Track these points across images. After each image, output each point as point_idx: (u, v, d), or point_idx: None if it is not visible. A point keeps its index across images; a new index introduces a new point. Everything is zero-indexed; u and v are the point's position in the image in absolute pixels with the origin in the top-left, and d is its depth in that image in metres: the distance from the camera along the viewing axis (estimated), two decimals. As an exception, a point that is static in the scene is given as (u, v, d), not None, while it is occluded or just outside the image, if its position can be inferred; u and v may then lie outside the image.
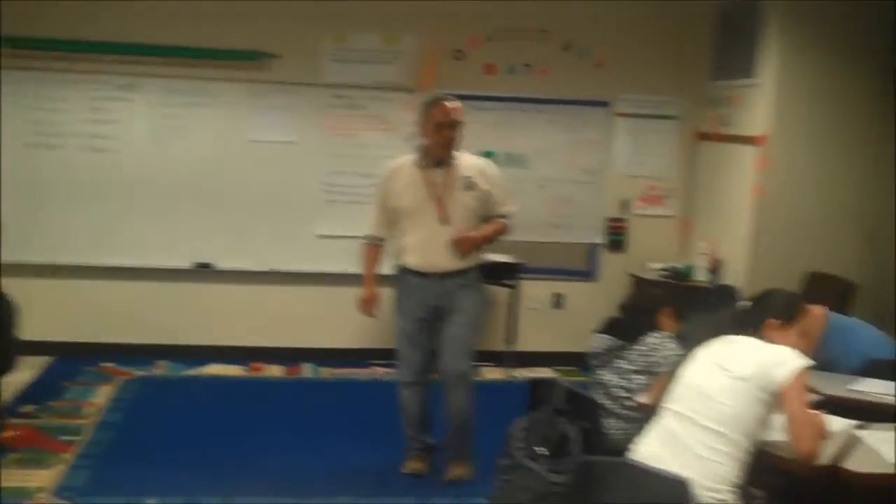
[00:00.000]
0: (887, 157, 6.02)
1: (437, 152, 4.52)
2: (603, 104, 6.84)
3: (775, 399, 3.08)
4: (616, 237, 7.00)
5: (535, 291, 6.91)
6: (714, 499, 2.98)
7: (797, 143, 6.03)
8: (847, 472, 3.11)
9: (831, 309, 4.62)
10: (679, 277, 6.51)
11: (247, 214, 6.59)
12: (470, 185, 4.54)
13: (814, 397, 3.75)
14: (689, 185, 6.96)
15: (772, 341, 3.24)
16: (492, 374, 6.67)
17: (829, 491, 3.25)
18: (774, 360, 3.13)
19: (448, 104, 4.51)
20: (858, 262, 6.05)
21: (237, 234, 6.60)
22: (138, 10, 6.26)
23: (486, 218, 4.61)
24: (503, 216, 4.68)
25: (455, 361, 4.60)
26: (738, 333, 3.30)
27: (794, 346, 3.21)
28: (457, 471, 4.73)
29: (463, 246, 4.54)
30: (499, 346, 6.80)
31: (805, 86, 6.00)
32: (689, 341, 3.54)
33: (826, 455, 3.15)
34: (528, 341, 6.88)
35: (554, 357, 6.78)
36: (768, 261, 6.02)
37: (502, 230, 4.70)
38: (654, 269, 6.66)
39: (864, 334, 4.58)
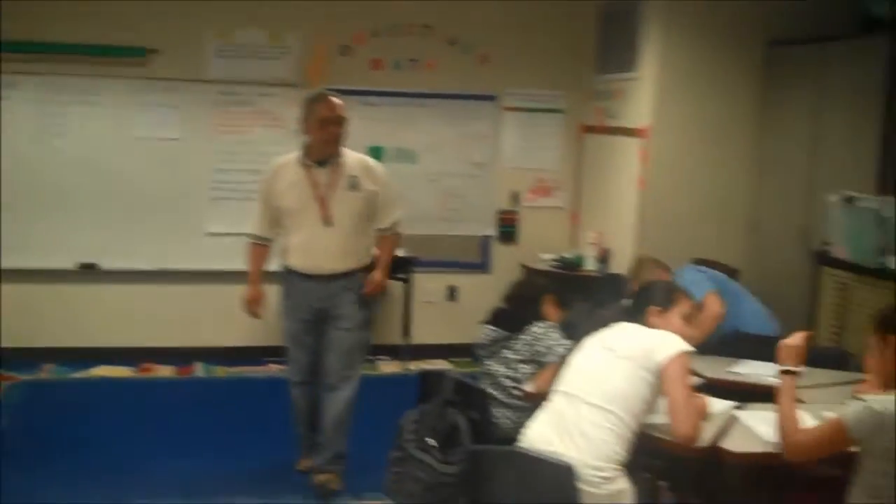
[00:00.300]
0: (766, 146, 6.23)
1: (322, 150, 4.42)
2: (490, 98, 6.93)
3: (658, 381, 3.18)
4: (507, 229, 7.10)
5: (429, 285, 6.95)
6: (600, 477, 3.04)
7: (678, 135, 6.21)
8: (725, 451, 3.22)
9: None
10: (569, 267, 6.63)
11: (133, 213, 6.47)
12: (355, 185, 4.45)
13: (696, 380, 3.90)
14: (576, 177, 7.10)
15: (655, 327, 3.34)
16: (388, 367, 6.69)
17: (707, 471, 3.37)
18: (656, 342, 3.23)
19: (332, 100, 4.44)
20: (740, 249, 6.26)
21: (123, 233, 6.47)
22: (15, 7, 6.08)
23: (370, 219, 4.55)
24: (388, 228, 4.64)
25: (336, 366, 4.54)
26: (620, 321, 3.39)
27: (675, 331, 3.31)
28: (323, 478, 4.60)
29: (375, 291, 4.55)
30: (394, 339, 6.82)
31: (685, 79, 6.18)
32: (574, 330, 3.62)
33: (706, 436, 3.26)
34: (424, 334, 6.92)
35: (449, 349, 6.84)
36: (653, 249, 6.14)
37: (394, 247, 4.70)
38: (544, 259, 6.77)
39: (748, 306, 4.79)
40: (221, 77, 6.50)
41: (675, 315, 3.39)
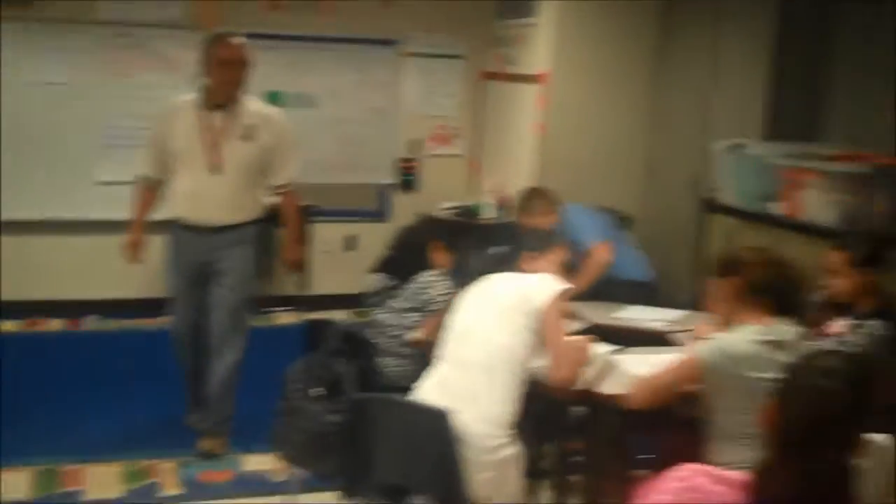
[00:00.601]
0: (662, 94, 6.28)
1: (221, 94, 4.26)
2: (390, 43, 6.83)
3: (539, 324, 3.19)
4: (408, 177, 7.05)
5: (327, 234, 6.88)
6: (493, 445, 3.06)
7: (577, 81, 6.22)
8: (601, 395, 3.27)
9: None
10: (469, 215, 6.63)
11: (21, 161, 6.22)
12: (251, 135, 4.30)
13: (580, 325, 3.94)
14: (477, 125, 7.08)
15: (529, 273, 3.35)
16: (285, 318, 6.63)
17: (585, 414, 3.42)
18: (533, 286, 3.24)
19: (233, 40, 4.28)
20: (637, 195, 6.33)
21: (11, 181, 6.21)
22: None
23: (265, 172, 4.40)
24: (285, 185, 4.49)
25: (221, 328, 4.42)
26: (496, 270, 3.39)
27: (550, 273, 3.33)
28: (208, 443, 4.51)
29: (297, 267, 4.46)
30: (291, 290, 6.75)
31: (583, 25, 6.18)
32: (463, 277, 3.61)
33: (585, 380, 3.30)
34: (323, 284, 6.86)
35: (349, 299, 6.78)
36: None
37: (299, 210, 4.61)
38: (444, 207, 6.76)
39: (627, 253, 4.89)
40: (110, 19, 6.27)
41: (549, 261, 3.41)
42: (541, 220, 4.38)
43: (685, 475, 2.03)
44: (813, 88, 5.46)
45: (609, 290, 4.51)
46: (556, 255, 3.45)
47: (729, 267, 3.15)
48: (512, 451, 3.13)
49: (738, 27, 5.61)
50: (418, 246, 4.25)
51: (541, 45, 6.21)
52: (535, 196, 4.72)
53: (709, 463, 2.68)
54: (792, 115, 5.48)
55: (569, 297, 3.30)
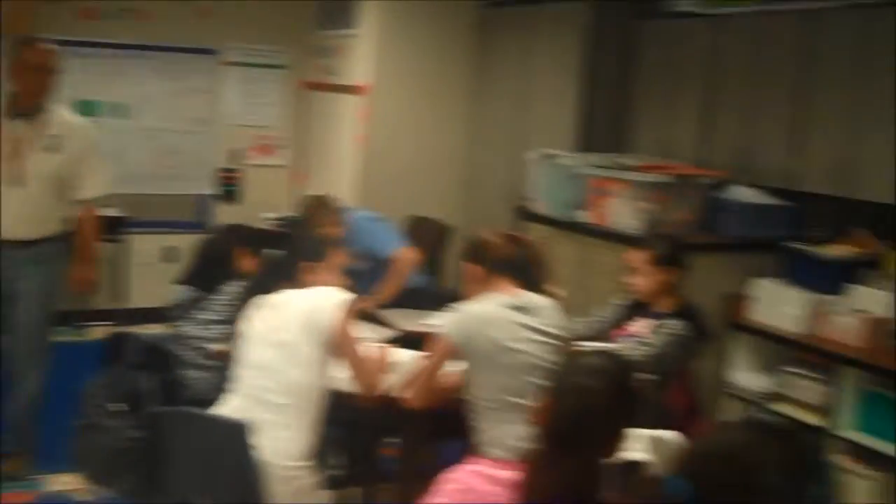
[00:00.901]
0: (480, 105, 6.40)
1: (25, 101, 4.09)
2: (210, 52, 6.72)
3: (330, 340, 3.16)
4: (229, 188, 6.94)
5: (145, 246, 6.70)
6: (289, 475, 3.04)
7: (398, 93, 6.27)
8: (406, 400, 3.29)
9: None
10: (291, 227, 6.56)
11: None
12: (56, 146, 4.13)
13: (391, 333, 3.97)
14: (299, 135, 7.03)
15: (311, 283, 3.32)
16: (100, 332, 6.40)
17: (390, 420, 3.43)
18: (319, 306, 3.18)
19: (41, 46, 4.11)
20: (457, 205, 6.41)
21: None
22: None
23: (69, 185, 4.22)
24: (90, 201, 4.32)
25: (20, 353, 4.24)
26: (278, 283, 3.35)
27: (331, 283, 3.33)
28: (11, 465, 4.32)
29: (86, 289, 4.29)
30: (109, 303, 6.53)
31: (404, 36, 6.24)
32: (261, 287, 3.54)
33: (391, 385, 3.31)
34: (141, 297, 6.66)
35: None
36: (375, 207, 6.19)
37: (97, 229, 4.41)
38: (267, 218, 6.67)
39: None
40: None
41: (329, 269, 3.39)
42: (327, 230, 4.39)
43: (460, 477, 2.06)
44: (623, 101, 5.66)
45: (413, 298, 4.56)
46: (336, 263, 3.43)
47: (475, 250, 3.38)
48: (310, 480, 3.12)
49: (549, 41, 5.78)
50: (222, 255, 4.16)
51: (361, 56, 6.23)
52: (318, 205, 4.74)
53: (477, 445, 2.77)
54: (603, 127, 5.68)
55: (356, 307, 3.30)
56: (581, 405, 1.99)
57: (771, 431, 1.54)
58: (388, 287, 4.58)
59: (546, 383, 2.14)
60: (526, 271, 3.36)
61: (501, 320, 3.12)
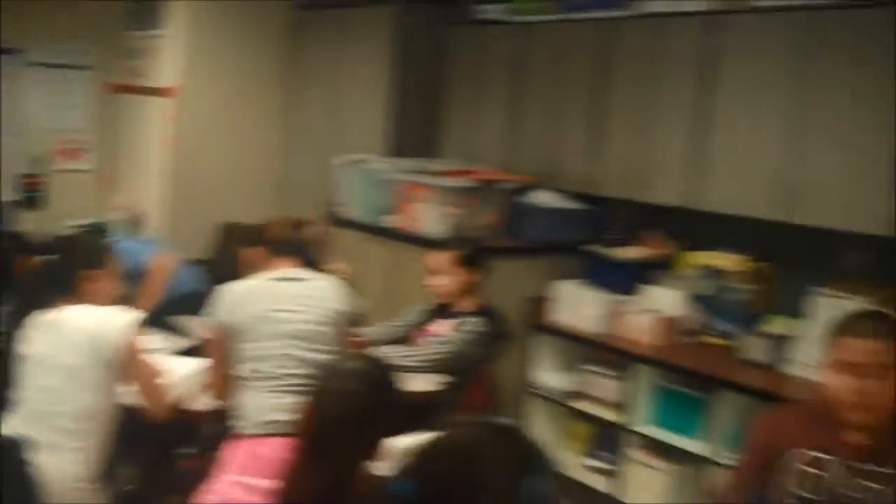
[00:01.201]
0: (292, 108, 6.33)
1: None
2: (12, 52, 6.39)
3: (116, 360, 3.05)
4: (32, 194, 6.62)
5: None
6: (74, 497, 2.94)
7: (208, 95, 6.14)
8: (193, 412, 3.22)
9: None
10: (100, 234, 6.32)
11: None
12: None
13: (190, 341, 3.88)
14: (107, 139, 6.77)
15: (91, 293, 3.20)
16: None
17: (176, 431, 3.36)
18: (102, 327, 3.07)
19: None
20: (270, 210, 6.30)
21: None
22: None
23: None
24: None
25: None
26: (52, 291, 3.20)
27: (109, 291, 3.26)
28: None
29: None
30: None
31: (213, 38, 6.12)
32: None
33: (177, 398, 3.23)
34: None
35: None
36: (186, 212, 6.08)
37: None
38: (72, 226, 6.39)
39: (186, 271, 5.06)
40: None
41: (106, 276, 3.29)
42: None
43: (220, 489, 2.02)
44: (433, 106, 5.72)
45: (178, 305, 4.49)
46: (111, 269, 3.32)
47: (252, 236, 3.70)
48: (96, 500, 3.03)
49: (361, 45, 5.78)
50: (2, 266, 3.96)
51: (169, 57, 6.08)
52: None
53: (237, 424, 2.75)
54: (413, 131, 5.72)
55: (141, 325, 3.20)
56: (339, 409, 1.98)
57: (492, 428, 1.57)
58: (146, 294, 4.57)
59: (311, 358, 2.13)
60: (305, 251, 3.48)
61: (263, 291, 3.20)
